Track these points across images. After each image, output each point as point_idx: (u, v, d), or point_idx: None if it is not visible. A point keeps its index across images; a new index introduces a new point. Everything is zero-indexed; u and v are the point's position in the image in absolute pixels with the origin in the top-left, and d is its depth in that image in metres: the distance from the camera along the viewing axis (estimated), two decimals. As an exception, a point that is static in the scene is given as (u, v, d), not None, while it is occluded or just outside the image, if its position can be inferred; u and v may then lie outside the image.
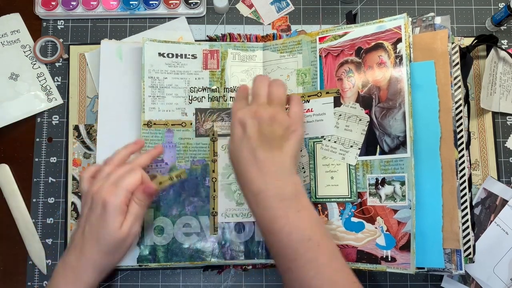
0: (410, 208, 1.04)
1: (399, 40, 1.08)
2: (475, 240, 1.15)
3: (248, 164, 0.99)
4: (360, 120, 1.10)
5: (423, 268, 1.05)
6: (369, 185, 1.09)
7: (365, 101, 1.11)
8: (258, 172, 0.98)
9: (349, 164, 1.11)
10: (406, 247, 1.03)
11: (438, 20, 1.10)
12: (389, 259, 1.05)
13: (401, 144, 1.05)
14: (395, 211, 1.05)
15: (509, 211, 1.19)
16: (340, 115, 1.13)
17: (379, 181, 1.07)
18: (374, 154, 1.09)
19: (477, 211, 1.20)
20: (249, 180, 0.99)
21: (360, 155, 1.10)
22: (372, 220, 1.08)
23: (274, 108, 1.03)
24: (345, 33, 1.15)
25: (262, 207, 0.97)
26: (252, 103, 1.07)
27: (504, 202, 1.20)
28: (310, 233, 0.94)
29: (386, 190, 1.07)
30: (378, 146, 1.08)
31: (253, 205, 1.00)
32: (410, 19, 1.10)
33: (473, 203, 1.21)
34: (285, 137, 1.01)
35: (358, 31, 1.14)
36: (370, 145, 1.09)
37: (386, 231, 1.06)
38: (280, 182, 0.98)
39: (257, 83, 1.08)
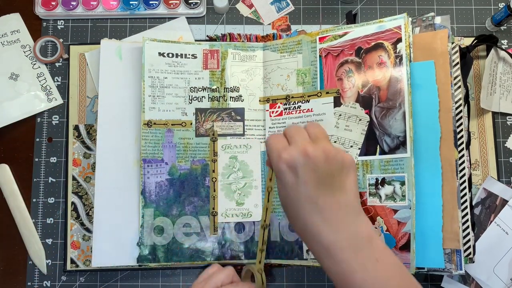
0: (410, 208, 1.04)
1: (399, 40, 1.08)
2: (475, 240, 1.15)
3: (310, 215, 0.86)
4: (360, 120, 1.10)
5: (423, 268, 1.05)
6: (369, 185, 1.09)
7: (365, 101, 1.11)
8: (324, 222, 0.85)
9: (349, 164, 1.11)
10: (406, 247, 1.03)
11: (438, 20, 1.10)
12: (389, 259, 1.05)
13: (401, 144, 1.05)
14: (395, 211, 1.05)
15: (509, 211, 1.19)
16: (340, 115, 1.13)
17: (379, 181, 1.07)
18: (374, 154, 1.09)
19: (477, 211, 1.20)
20: (316, 233, 0.85)
21: (360, 155, 1.10)
22: (372, 220, 1.08)
23: (322, 141, 0.89)
24: (345, 33, 1.15)
25: (336, 261, 0.84)
26: (296, 142, 0.88)
27: (504, 202, 1.20)
28: (395, 283, 0.84)
29: (386, 190, 1.07)
30: (378, 146, 1.08)
31: (323, 258, 0.86)
32: (410, 19, 1.10)
33: (473, 203, 1.20)
34: (343, 173, 0.87)
35: (358, 31, 1.14)
36: (370, 145, 1.10)
37: (386, 231, 1.06)
38: (351, 229, 0.85)
39: (291, 128, 0.92)
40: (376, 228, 1.07)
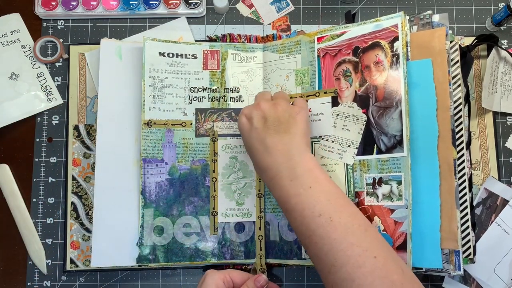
0: (406, 208, 1.03)
1: (396, 38, 1.08)
2: (476, 241, 1.14)
3: (260, 153, 1.03)
4: (358, 119, 1.10)
5: (421, 269, 1.05)
6: (366, 184, 1.09)
7: (362, 100, 1.11)
8: (270, 157, 1.01)
9: (347, 164, 1.11)
10: (402, 247, 1.03)
11: (436, 18, 1.10)
12: (386, 259, 1.05)
13: (398, 143, 1.05)
14: (392, 210, 1.05)
15: (509, 211, 1.19)
16: (337, 114, 1.13)
17: (376, 181, 1.07)
18: (371, 153, 1.08)
19: (478, 211, 1.20)
20: (264, 167, 1.03)
21: (358, 154, 1.10)
22: (369, 220, 1.07)
23: (277, 99, 1.08)
24: (343, 33, 1.15)
25: (278, 189, 1.00)
26: (256, 101, 1.11)
27: (505, 202, 1.19)
28: (321, 208, 0.94)
29: (383, 189, 1.06)
30: (375, 146, 1.08)
31: (271, 189, 1.03)
32: (407, 17, 1.10)
33: (474, 203, 1.20)
34: (291, 120, 1.04)
35: (355, 31, 1.13)
36: (367, 145, 1.09)
37: (383, 230, 1.06)
38: (291, 162, 1.00)
39: (259, 92, 1.15)
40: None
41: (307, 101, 1.17)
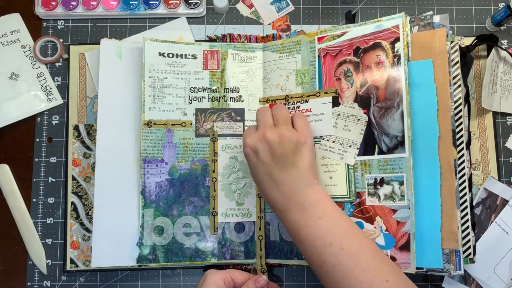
0: (409, 208, 1.04)
1: (397, 39, 1.08)
2: (476, 240, 1.15)
3: (268, 187, 1.04)
4: (359, 120, 1.10)
5: (422, 269, 1.05)
6: (368, 185, 1.09)
7: (363, 100, 1.11)
8: (278, 192, 1.03)
9: (348, 164, 1.11)
10: (405, 247, 1.03)
11: (436, 18, 1.10)
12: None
13: (399, 144, 1.05)
14: (394, 211, 1.05)
15: (509, 211, 1.19)
16: (338, 115, 1.13)
17: (378, 181, 1.07)
18: (373, 154, 1.08)
19: (477, 211, 1.20)
20: (272, 200, 1.04)
21: (359, 155, 1.10)
22: (371, 220, 1.08)
23: (280, 127, 1.06)
24: (344, 33, 1.15)
25: (288, 221, 1.01)
26: (259, 128, 1.08)
27: (505, 202, 1.20)
28: (332, 237, 0.95)
29: (384, 190, 1.06)
30: (376, 146, 1.08)
31: (281, 220, 1.04)
32: (408, 18, 1.10)
33: (474, 203, 1.20)
34: (297, 152, 1.04)
35: (356, 31, 1.13)
36: (368, 145, 1.09)
37: (385, 230, 1.06)
38: (299, 196, 1.01)
39: (259, 112, 1.11)
40: (375, 228, 1.07)
41: (308, 101, 1.17)
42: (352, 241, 0.95)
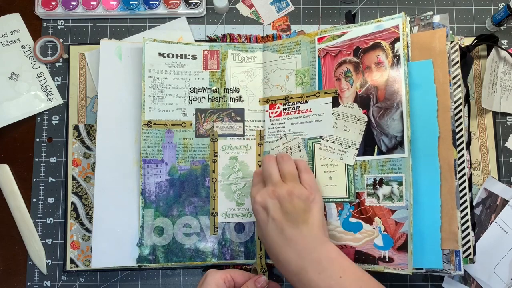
0: (407, 209, 1.04)
1: (397, 39, 1.08)
2: (476, 240, 1.15)
3: (280, 246, 1.01)
4: (358, 120, 1.10)
5: (422, 269, 1.05)
6: (367, 185, 1.09)
7: (363, 101, 1.11)
8: (291, 251, 0.99)
9: (347, 164, 1.11)
10: (403, 248, 1.03)
11: (436, 18, 1.10)
12: (387, 260, 1.05)
13: (399, 144, 1.05)
14: (393, 211, 1.05)
15: (509, 211, 1.19)
16: (338, 115, 1.13)
17: (377, 181, 1.07)
18: (372, 154, 1.08)
19: (477, 211, 1.20)
20: (286, 261, 1.00)
21: (358, 155, 1.10)
22: (370, 221, 1.08)
23: (289, 183, 1.05)
24: (343, 33, 1.15)
25: (305, 283, 0.97)
26: (268, 185, 1.08)
27: (505, 202, 1.20)
28: None
29: (384, 190, 1.06)
30: (376, 146, 1.08)
31: (295, 283, 1.00)
32: (408, 18, 1.10)
33: (474, 203, 1.20)
34: (307, 209, 1.02)
35: (356, 31, 1.13)
36: (368, 145, 1.09)
37: (384, 231, 1.06)
38: (314, 254, 0.98)
39: (265, 165, 1.11)
40: (374, 228, 1.07)
41: (308, 102, 1.17)
42: None
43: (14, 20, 1.32)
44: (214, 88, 1.23)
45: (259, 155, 1.22)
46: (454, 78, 1.08)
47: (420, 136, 1.06)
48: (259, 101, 1.23)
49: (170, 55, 1.22)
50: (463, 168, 1.07)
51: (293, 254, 0.99)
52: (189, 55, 1.23)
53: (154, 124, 1.19)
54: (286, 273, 1.01)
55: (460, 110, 1.08)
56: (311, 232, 1.00)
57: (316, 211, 1.03)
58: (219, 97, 1.23)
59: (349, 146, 1.11)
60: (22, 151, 1.27)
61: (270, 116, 1.21)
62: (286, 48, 1.22)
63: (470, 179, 1.11)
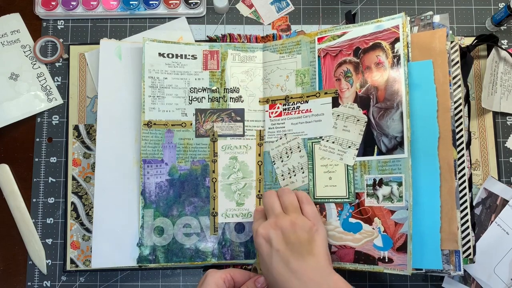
0: (407, 209, 1.04)
1: (397, 39, 1.08)
2: (476, 241, 1.15)
3: (285, 279, 0.97)
4: (358, 120, 1.10)
5: (421, 269, 1.05)
6: (367, 185, 1.09)
7: (363, 101, 1.11)
8: (299, 283, 0.96)
9: (347, 165, 1.11)
10: (403, 248, 1.03)
11: (436, 18, 1.10)
12: (386, 260, 1.05)
13: (399, 145, 1.05)
14: (392, 212, 1.05)
15: (509, 211, 1.19)
16: (338, 115, 1.13)
17: (377, 182, 1.07)
18: (372, 154, 1.08)
19: (477, 211, 1.20)
20: None
21: (358, 155, 1.10)
22: (369, 221, 1.08)
23: (292, 214, 1.04)
24: (344, 33, 1.15)
25: None
26: (270, 217, 1.07)
27: (505, 202, 1.19)
28: None
29: (383, 190, 1.06)
30: (375, 147, 1.08)
31: None
32: (408, 18, 1.10)
33: (474, 203, 1.20)
34: (311, 239, 1.01)
35: (356, 31, 1.13)
36: (368, 146, 1.09)
37: (383, 232, 1.06)
38: (323, 286, 0.95)
39: (266, 198, 1.10)
40: (373, 229, 1.07)
41: (308, 102, 1.17)
42: None
43: (14, 20, 1.32)
44: (214, 88, 1.23)
45: (259, 155, 1.22)
46: (454, 78, 1.08)
47: (420, 137, 1.06)
48: (259, 101, 1.23)
49: (170, 55, 1.22)
50: (463, 168, 1.08)
51: (300, 286, 0.95)
52: (189, 55, 1.23)
53: (154, 124, 1.19)
54: None
55: (460, 110, 1.08)
56: (318, 264, 0.98)
57: (320, 241, 1.01)
58: (219, 97, 1.23)
59: (349, 147, 1.11)
60: (22, 151, 1.27)
61: (270, 116, 1.21)
62: (286, 48, 1.22)
63: (470, 179, 1.11)
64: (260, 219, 1.10)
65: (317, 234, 1.01)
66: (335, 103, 1.14)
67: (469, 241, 1.08)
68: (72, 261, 1.22)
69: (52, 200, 1.25)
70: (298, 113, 1.18)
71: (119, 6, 1.30)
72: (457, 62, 1.10)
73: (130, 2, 1.30)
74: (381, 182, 1.07)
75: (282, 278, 0.97)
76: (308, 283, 0.95)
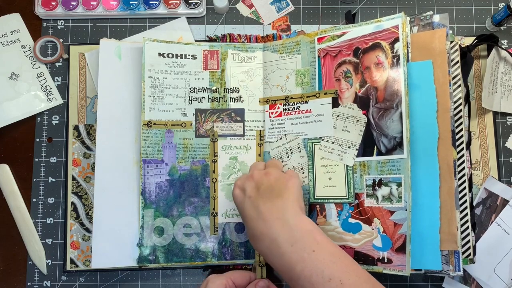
0: (406, 210, 1.04)
1: (397, 39, 1.08)
2: (476, 241, 1.14)
3: (254, 221, 1.00)
4: (358, 121, 1.10)
5: (421, 270, 1.05)
6: (366, 186, 1.09)
7: (362, 101, 1.11)
8: (264, 224, 0.98)
9: (347, 165, 1.11)
10: (402, 249, 1.03)
11: (436, 18, 1.10)
12: (385, 261, 1.05)
13: (398, 145, 1.05)
14: (392, 212, 1.05)
15: (509, 211, 1.19)
16: (338, 115, 1.13)
17: (376, 182, 1.07)
18: (371, 155, 1.08)
19: (478, 211, 1.20)
20: (259, 234, 0.99)
21: (358, 156, 1.10)
22: (369, 221, 1.08)
23: (269, 168, 1.09)
24: (343, 33, 1.15)
25: (278, 256, 0.96)
26: (249, 172, 1.12)
27: (505, 202, 1.19)
28: (329, 272, 0.91)
29: (382, 191, 1.06)
30: (375, 147, 1.08)
31: (269, 257, 0.98)
32: (408, 18, 1.09)
33: (474, 203, 1.20)
34: (282, 186, 1.03)
35: (356, 31, 1.13)
36: (367, 146, 1.09)
37: (382, 232, 1.06)
38: (287, 225, 0.97)
39: (252, 164, 1.16)
40: (373, 229, 1.07)
41: (308, 102, 1.17)
42: (350, 274, 0.92)
43: (14, 20, 1.32)
44: (214, 88, 1.23)
45: (259, 155, 1.22)
46: (454, 78, 1.08)
47: (420, 137, 1.06)
48: (259, 101, 1.23)
49: (170, 55, 1.22)
50: (463, 168, 1.07)
51: (266, 227, 0.98)
52: (189, 55, 1.23)
53: (154, 124, 1.19)
54: (260, 248, 1.00)
55: (460, 110, 1.08)
56: (285, 205, 1.00)
57: (292, 186, 1.03)
58: (219, 97, 1.23)
59: (349, 147, 1.11)
60: (22, 151, 1.27)
61: (270, 116, 1.21)
62: (286, 48, 1.21)
63: (470, 179, 1.11)
64: (241, 177, 1.11)
65: (290, 182, 1.04)
66: (335, 103, 1.14)
67: (469, 241, 1.07)
68: (72, 261, 1.22)
69: (52, 200, 1.25)
70: (298, 113, 1.18)
71: (119, 6, 1.30)
72: (457, 62, 1.10)
73: (130, 2, 1.30)
74: (380, 183, 1.07)
75: (253, 223, 1.01)
76: (273, 223, 0.98)
